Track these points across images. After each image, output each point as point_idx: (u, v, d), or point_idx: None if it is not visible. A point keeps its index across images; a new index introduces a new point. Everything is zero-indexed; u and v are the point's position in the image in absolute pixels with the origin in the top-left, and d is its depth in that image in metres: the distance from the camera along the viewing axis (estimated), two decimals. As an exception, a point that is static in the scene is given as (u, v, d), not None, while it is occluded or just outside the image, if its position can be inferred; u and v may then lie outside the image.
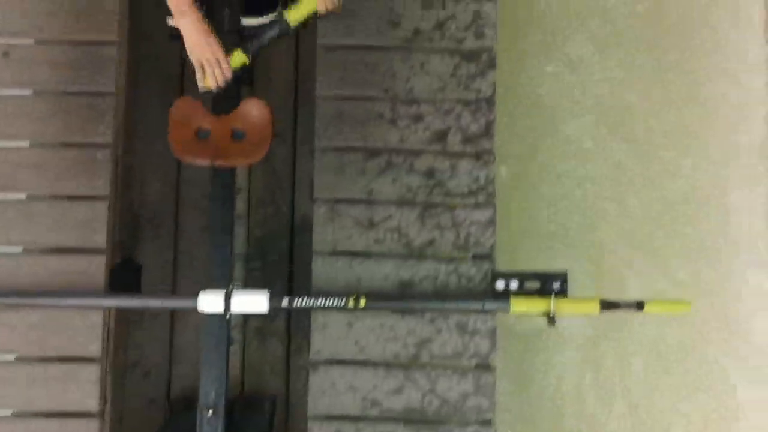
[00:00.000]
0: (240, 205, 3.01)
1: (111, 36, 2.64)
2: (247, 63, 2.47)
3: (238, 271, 2.98)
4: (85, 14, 2.64)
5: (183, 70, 3.03)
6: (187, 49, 2.37)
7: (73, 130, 2.61)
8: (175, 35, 2.72)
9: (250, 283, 2.98)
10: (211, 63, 2.37)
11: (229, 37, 2.69)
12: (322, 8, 2.43)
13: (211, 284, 2.47)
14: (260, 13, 2.69)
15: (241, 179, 3.03)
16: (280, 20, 2.45)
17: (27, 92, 2.63)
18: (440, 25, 2.63)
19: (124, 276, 2.86)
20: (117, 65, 2.64)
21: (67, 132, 2.61)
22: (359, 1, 2.64)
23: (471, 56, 2.62)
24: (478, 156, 2.58)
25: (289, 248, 3.01)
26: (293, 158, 3.02)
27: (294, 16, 2.45)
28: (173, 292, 3.02)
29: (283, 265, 2.99)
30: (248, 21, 2.66)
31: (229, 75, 2.41)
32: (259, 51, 2.49)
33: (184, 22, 2.32)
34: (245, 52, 2.45)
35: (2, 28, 2.63)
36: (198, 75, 2.41)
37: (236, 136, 2.66)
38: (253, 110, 2.65)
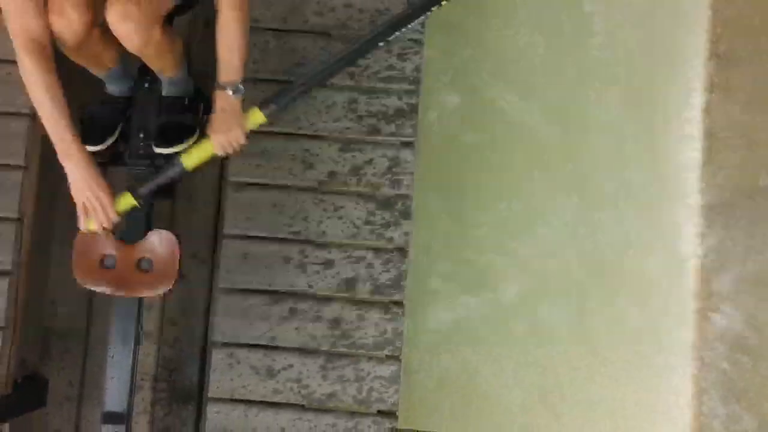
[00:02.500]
0: (151, 322, 2.92)
1: (18, 161, 2.57)
2: (138, 206, 2.33)
3: (145, 392, 2.89)
4: (-8, 136, 2.57)
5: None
6: (72, 191, 2.24)
7: (-28, 255, 2.53)
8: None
9: (156, 407, 2.89)
10: (94, 207, 2.24)
11: (141, 161, 2.63)
12: (220, 152, 2.28)
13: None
14: (173, 143, 2.60)
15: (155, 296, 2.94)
16: (175, 164, 2.31)
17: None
18: (357, 170, 2.56)
19: (27, 391, 2.78)
20: (22, 191, 2.56)
21: (-36, 257, 2.53)
22: (272, 139, 2.57)
23: (386, 204, 2.54)
24: (387, 308, 2.51)
25: (200, 373, 2.92)
26: (210, 280, 2.94)
27: (190, 161, 2.31)
28: (78, 409, 2.93)
29: (192, 392, 2.90)
30: (161, 150, 2.58)
31: (113, 219, 2.27)
32: (151, 195, 2.38)
33: (69, 166, 2.20)
34: (134, 195, 2.30)
35: None
36: (80, 216, 2.27)
37: (142, 266, 2.58)
38: (162, 242, 2.57)
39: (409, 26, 2.27)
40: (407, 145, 2.57)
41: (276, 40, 2.61)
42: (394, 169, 2.56)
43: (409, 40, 2.61)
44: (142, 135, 2.63)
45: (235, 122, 2.22)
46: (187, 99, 2.63)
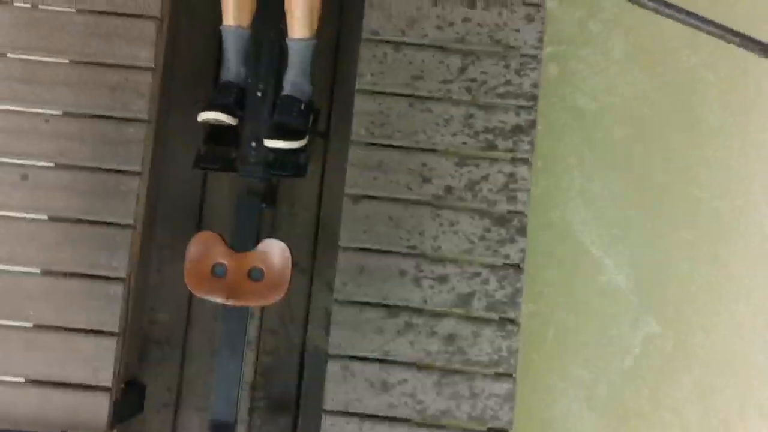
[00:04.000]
0: (250, 331, 2.91)
1: (134, 167, 2.57)
2: None
3: (243, 400, 2.88)
4: (110, 142, 2.57)
5: (202, 202, 2.95)
6: None
7: (86, 260, 2.54)
8: (200, 164, 2.67)
9: (254, 416, 2.88)
10: None
11: (254, 168, 2.64)
12: None
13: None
14: (285, 138, 2.59)
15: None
16: None
17: (42, 217, 2.56)
18: (473, 185, 2.55)
19: (131, 397, 2.78)
20: (138, 197, 2.56)
21: (79, 263, 2.54)
22: (389, 152, 2.56)
23: (502, 220, 2.54)
24: (502, 325, 2.50)
25: (298, 383, 2.92)
26: (309, 290, 2.93)
27: None
28: (175, 416, 2.93)
29: (290, 402, 2.90)
30: (272, 143, 2.56)
31: None
32: None
33: None
34: None
35: (23, 150, 2.57)
36: None
37: (254, 275, 2.59)
38: (274, 252, 2.58)
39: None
40: (524, 161, 2.56)
41: (394, 53, 2.61)
42: (510, 186, 2.55)
43: (526, 55, 2.60)
44: (254, 144, 2.63)
45: None
46: (303, 104, 2.63)
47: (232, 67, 2.63)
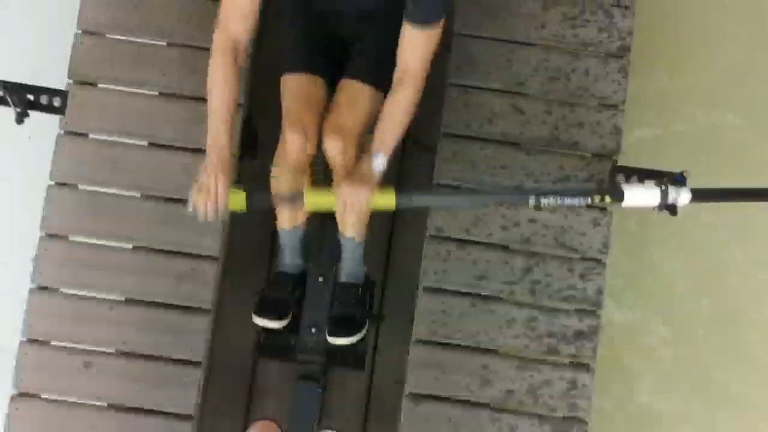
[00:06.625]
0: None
1: (197, 357, 2.57)
2: (245, 210, 2.25)
3: None
4: (173, 331, 2.58)
5: (254, 373, 2.96)
6: (201, 174, 2.20)
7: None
8: (261, 353, 2.69)
9: None
10: (210, 190, 2.17)
11: (312, 355, 2.65)
12: (340, 206, 2.22)
13: None
14: (346, 335, 2.61)
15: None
16: (297, 195, 2.30)
17: (103, 404, 2.56)
18: (533, 390, 2.56)
19: None
20: (198, 388, 2.57)
21: (139, 454, 2.55)
22: (451, 352, 2.57)
23: (562, 427, 2.54)
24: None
25: None
26: (359, 461, 2.95)
27: (312, 198, 2.28)
28: None
29: None
30: (334, 339, 2.59)
31: (221, 212, 2.19)
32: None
33: (211, 155, 2.18)
34: (247, 199, 2.23)
35: (87, 337, 2.58)
36: (193, 194, 2.19)
37: (309, 464, 2.61)
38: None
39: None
40: (585, 367, 2.57)
41: (458, 251, 2.61)
42: (571, 392, 2.55)
43: (591, 260, 2.61)
44: (313, 330, 2.64)
45: (366, 187, 2.20)
46: (360, 288, 2.65)
47: (287, 259, 2.66)
